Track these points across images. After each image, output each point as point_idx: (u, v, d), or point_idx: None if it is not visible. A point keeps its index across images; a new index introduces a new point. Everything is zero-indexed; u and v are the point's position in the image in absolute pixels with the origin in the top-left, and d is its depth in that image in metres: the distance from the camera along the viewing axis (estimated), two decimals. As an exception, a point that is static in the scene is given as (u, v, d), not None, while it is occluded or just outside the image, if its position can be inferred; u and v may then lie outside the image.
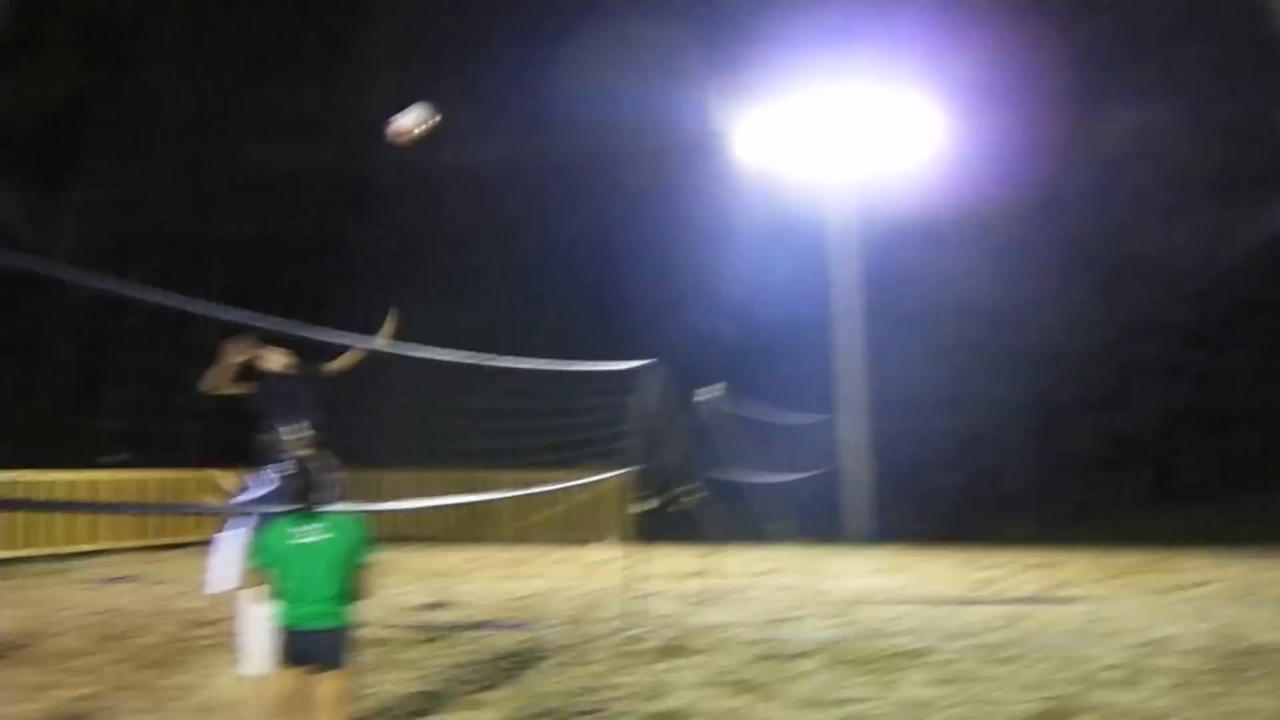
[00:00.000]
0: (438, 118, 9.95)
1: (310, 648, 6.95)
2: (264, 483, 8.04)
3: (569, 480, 18.93)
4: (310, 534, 6.97)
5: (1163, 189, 34.84)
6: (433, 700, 10.12)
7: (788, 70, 29.91)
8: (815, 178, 29.75)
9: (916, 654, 11.95)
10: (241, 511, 7.96)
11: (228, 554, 8.07)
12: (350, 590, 7.10)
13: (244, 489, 8.20)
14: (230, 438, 10.14)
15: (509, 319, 38.42)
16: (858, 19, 31.31)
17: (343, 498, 7.78)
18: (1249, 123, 34.23)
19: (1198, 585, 18.17)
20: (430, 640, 12.55)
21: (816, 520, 28.30)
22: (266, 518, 7.27)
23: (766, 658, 11.87)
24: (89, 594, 17.08)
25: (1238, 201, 35.18)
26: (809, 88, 28.74)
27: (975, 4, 33.05)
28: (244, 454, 9.17)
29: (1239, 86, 34.48)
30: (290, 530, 6.99)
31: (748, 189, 31.55)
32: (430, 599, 15.67)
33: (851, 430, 29.70)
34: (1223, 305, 35.75)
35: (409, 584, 15.64)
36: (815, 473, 29.20)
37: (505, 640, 12.99)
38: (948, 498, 35.67)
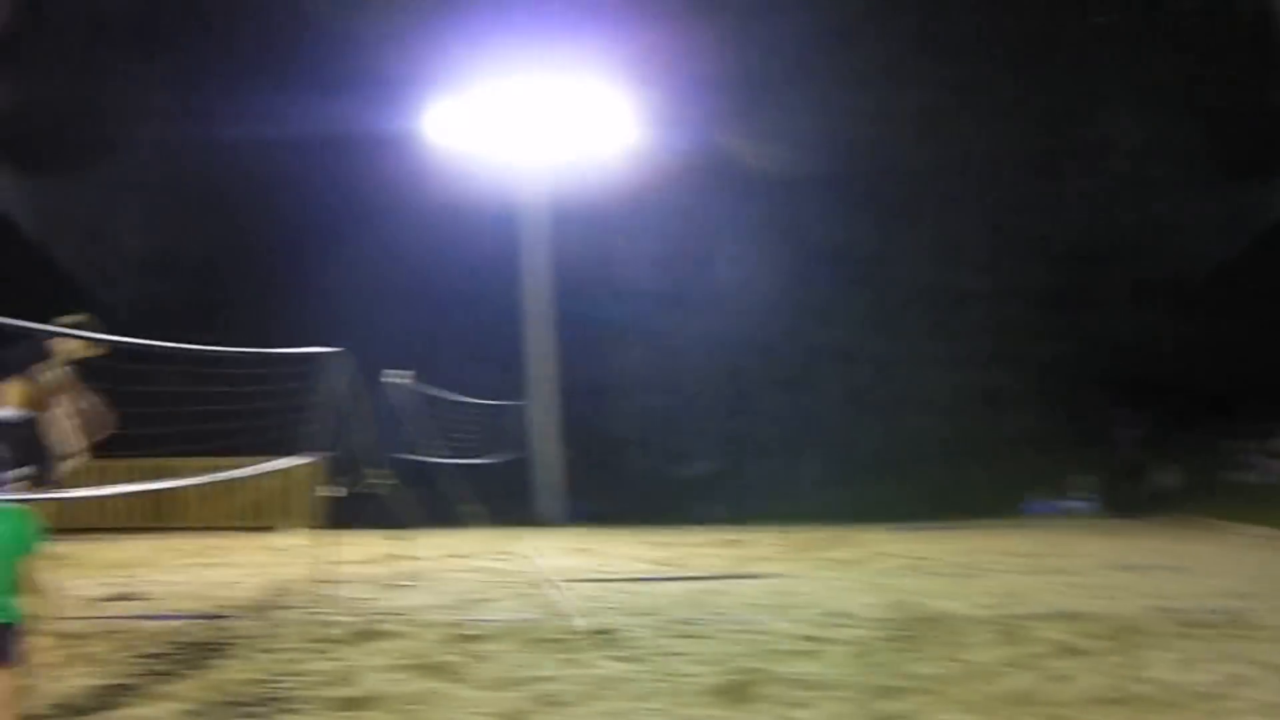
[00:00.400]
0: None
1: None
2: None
3: (257, 466, 18.57)
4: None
5: (848, 180, 36.13)
6: (114, 694, 9.79)
7: (480, 59, 29.91)
8: (506, 165, 29.87)
9: (606, 632, 12.12)
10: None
11: None
12: (18, 583, 6.82)
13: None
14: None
15: (197, 304, 37.46)
16: (550, 8, 31.51)
17: (10, 487, 7.48)
18: (915, 114, 35.88)
19: (876, 559, 18.97)
20: (112, 633, 12.12)
21: (510, 503, 28.44)
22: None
23: (457, 640, 11.86)
24: None
25: (916, 193, 36.82)
26: (501, 77, 28.86)
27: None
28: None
29: (916, 79, 36.05)
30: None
31: (440, 177, 31.40)
32: (114, 591, 15.14)
33: (543, 413, 29.92)
34: (902, 291, 37.38)
35: (91, 576, 15.10)
36: (508, 457, 29.35)
37: (191, 630, 12.65)
38: (639, 479, 36.28)
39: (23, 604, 6.86)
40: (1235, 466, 32.93)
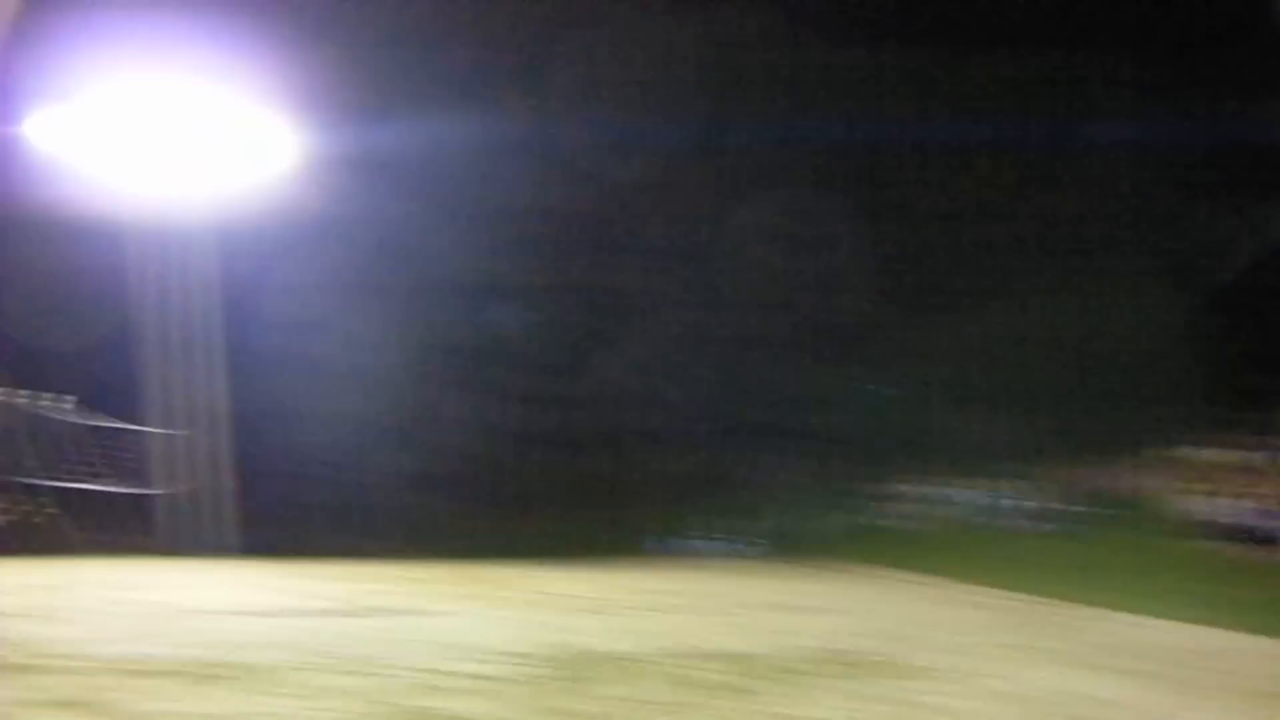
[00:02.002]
0: None
1: None
2: None
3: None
4: None
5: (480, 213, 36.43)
6: None
7: (96, 64, 28.95)
8: (132, 181, 29.05)
9: (245, 667, 11.86)
10: None
11: None
12: None
13: None
14: None
15: None
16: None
17: None
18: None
19: (533, 597, 19.25)
20: None
21: (174, 532, 27.88)
22: None
23: (99, 674, 11.55)
24: None
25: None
26: (131, 86, 28.06)
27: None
28: None
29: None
30: None
31: (65, 189, 30.21)
32: None
33: (209, 442, 29.36)
34: (571, 334, 38.04)
35: None
36: (156, 486, 28.57)
37: None
38: (298, 512, 35.84)
39: None
40: (864, 514, 34.67)
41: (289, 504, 35.31)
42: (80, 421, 22.42)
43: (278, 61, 30.62)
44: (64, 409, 22.10)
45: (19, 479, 17.09)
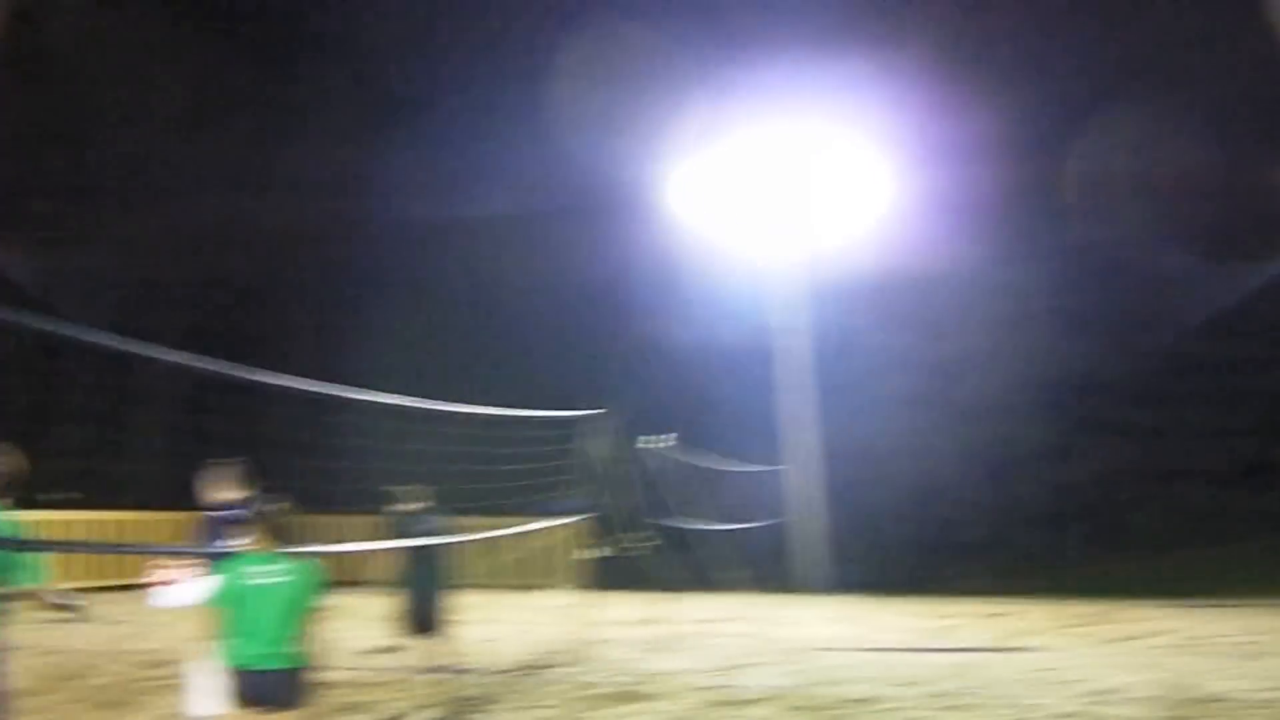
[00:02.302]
0: None
1: (263, 688, 6.90)
2: (219, 525, 7.96)
3: (521, 526, 18.89)
4: (266, 575, 6.93)
5: (1109, 245, 35.25)
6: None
7: (733, 127, 30.00)
8: (762, 235, 29.79)
9: (867, 701, 11.94)
10: (198, 552, 7.90)
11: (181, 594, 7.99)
12: (303, 632, 7.05)
13: (202, 532, 8.12)
14: (178, 479, 10.10)
15: (462, 367, 38.52)
16: (806, 74, 31.44)
17: (298, 540, 7.78)
18: (1212, 178, 34.70)
19: (1147, 636, 18.23)
20: (381, 684, 12.45)
21: (769, 569, 28.34)
22: (221, 558, 7.23)
23: (718, 704, 11.84)
24: (39, 634, 16.85)
25: (1189, 259, 35.65)
26: (755, 144, 28.78)
27: (923, 60, 33.29)
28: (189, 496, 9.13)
29: (1203, 141, 34.94)
30: (246, 570, 6.94)
31: (695, 239, 31.57)
32: (384, 642, 15.53)
33: (803, 480, 29.65)
34: (1162, 361, 36.19)
35: (364, 627, 15.53)
36: (766, 522, 29.24)
37: (458, 685, 12.92)
38: (900, 548, 35.81)
39: (306, 650, 7.09)
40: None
41: (880, 539, 35.38)
42: (689, 461, 23.12)
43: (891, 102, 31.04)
44: (672, 449, 22.84)
45: (649, 518, 17.75)
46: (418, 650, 11.70)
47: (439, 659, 12.46)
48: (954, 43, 34.31)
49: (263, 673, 6.86)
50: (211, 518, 7.87)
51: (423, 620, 11.53)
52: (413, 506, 11.75)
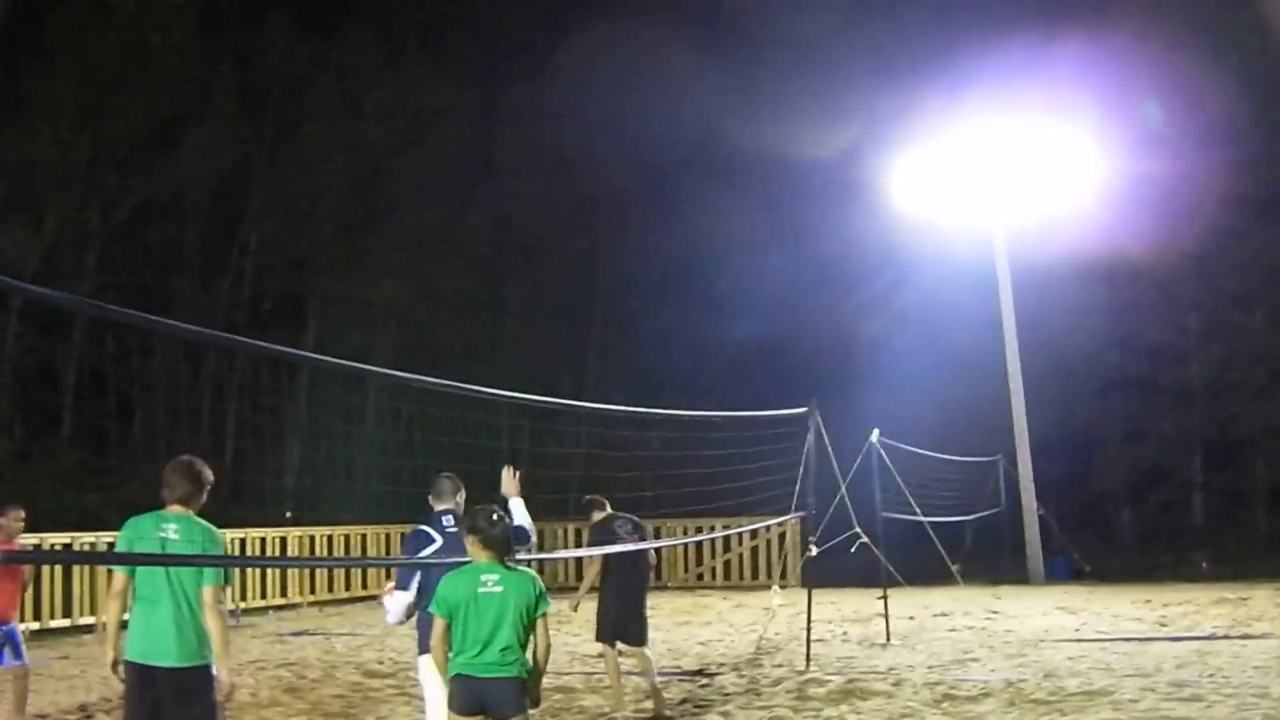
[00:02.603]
0: None
1: (490, 696, 7.08)
2: (437, 535, 8.17)
3: (740, 525, 19.02)
4: (493, 583, 7.12)
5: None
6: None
7: (944, 109, 29.78)
8: (977, 218, 29.43)
9: (1099, 693, 11.76)
10: (418, 564, 8.13)
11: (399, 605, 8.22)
12: (528, 639, 7.24)
13: (419, 544, 8.33)
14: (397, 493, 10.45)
15: (674, 366, 38.96)
16: (1013, 56, 31.03)
17: (528, 547, 8.01)
18: None
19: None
20: (604, 688, 12.64)
21: (991, 561, 28.05)
22: (447, 567, 7.44)
23: (945, 699, 11.79)
24: (273, 647, 17.51)
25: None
26: (967, 126, 28.43)
27: (1134, 40, 32.47)
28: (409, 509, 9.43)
29: None
30: (473, 579, 7.15)
31: (909, 231, 31.38)
32: (596, 648, 15.73)
33: (1023, 469, 29.20)
34: None
35: (583, 631, 15.81)
36: (987, 513, 28.93)
37: (683, 686, 13.09)
38: (1124, 534, 35.13)
39: (530, 659, 7.27)
40: None
41: (1102, 528, 34.75)
42: (910, 451, 22.99)
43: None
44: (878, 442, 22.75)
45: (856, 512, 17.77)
46: (630, 655, 11.85)
47: (656, 663, 12.60)
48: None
49: (489, 680, 7.05)
50: (425, 530, 8.11)
51: (625, 625, 11.65)
52: (608, 512, 11.88)
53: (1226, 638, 15.82)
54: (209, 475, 7.53)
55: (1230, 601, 20.09)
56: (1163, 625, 17.53)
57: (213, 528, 7.44)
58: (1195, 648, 14.84)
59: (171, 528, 7.26)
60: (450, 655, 7.20)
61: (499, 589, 7.13)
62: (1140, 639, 16.01)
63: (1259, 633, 16.22)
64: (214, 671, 7.31)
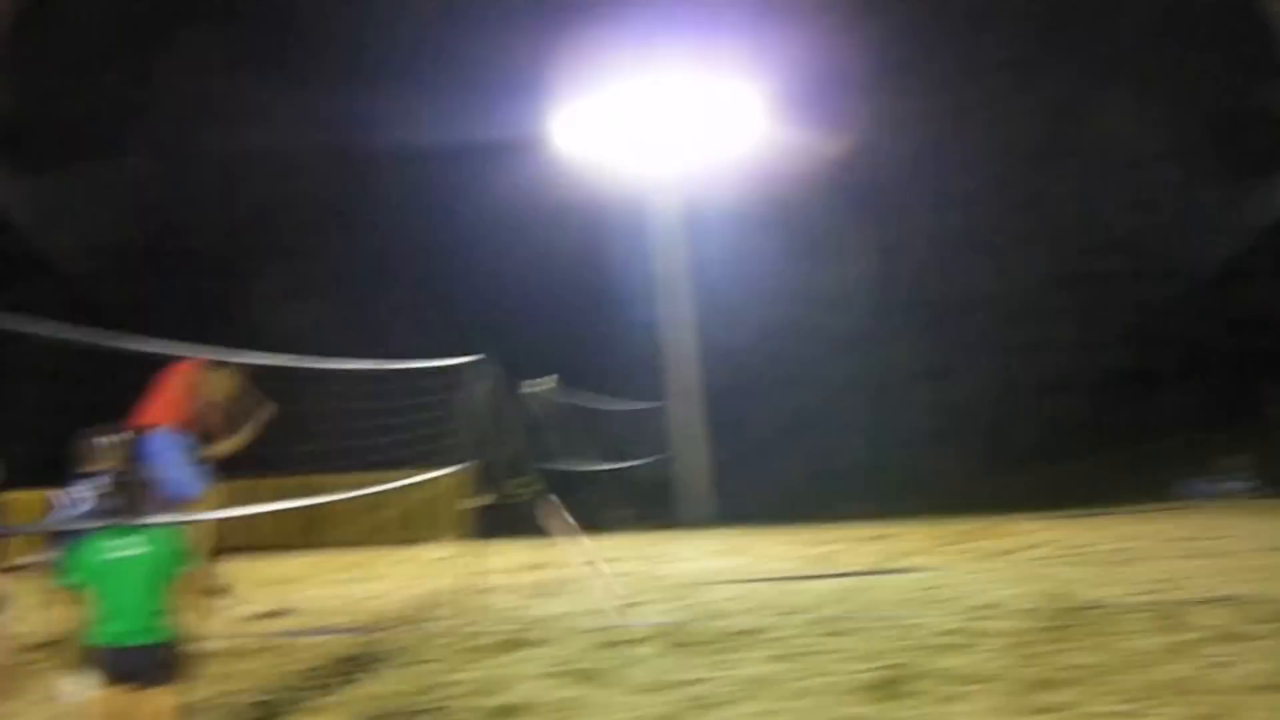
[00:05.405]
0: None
1: (133, 665, 6.78)
2: (78, 498, 7.79)
3: (404, 480, 18.77)
4: (125, 548, 6.79)
5: (979, 164, 35.67)
6: (270, 710, 9.96)
7: (608, 62, 29.94)
8: (638, 168, 29.77)
9: (754, 632, 12.04)
10: (57, 529, 7.73)
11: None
12: (170, 603, 6.93)
13: (58, 507, 7.94)
14: (34, 455, 9.91)
15: (334, 316, 38.12)
16: (677, 10, 31.43)
17: (161, 508, 7.63)
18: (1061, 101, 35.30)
19: (1028, 549, 18.63)
20: (267, 649, 12.32)
21: (656, 506, 28.50)
22: (79, 534, 7.08)
23: (606, 645, 11.86)
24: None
25: (1052, 175, 36.20)
26: (630, 79, 28.74)
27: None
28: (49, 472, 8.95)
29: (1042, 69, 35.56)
30: (104, 545, 6.80)
31: (570, 182, 31.50)
32: (268, 607, 15.39)
33: (685, 415, 29.81)
34: (1040, 277, 36.78)
35: (246, 593, 15.37)
36: (650, 460, 29.37)
37: (344, 644, 12.82)
38: (784, 477, 36.14)
39: (175, 623, 6.98)
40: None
41: (772, 470, 35.69)
42: (571, 402, 23.10)
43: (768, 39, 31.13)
44: (553, 391, 22.78)
45: (532, 464, 17.68)
46: (301, 612, 11.57)
47: (323, 620, 12.33)
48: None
49: (128, 649, 6.74)
50: (69, 492, 7.71)
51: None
52: None
53: (875, 573, 16.45)
54: None
55: (880, 539, 20.94)
56: (818, 563, 18.10)
57: None
58: (846, 585, 15.39)
59: None
60: (92, 624, 6.86)
61: (134, 551, 6.80)
62: (800, 578, 16.48)
63: (905, 568, 16.93)
64: None
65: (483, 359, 15.22)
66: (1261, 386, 33.75)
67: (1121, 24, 35.68)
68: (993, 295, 36.38)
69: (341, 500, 19.37)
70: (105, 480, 7.26)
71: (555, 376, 19.07)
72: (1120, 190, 36.78)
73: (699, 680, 10.16)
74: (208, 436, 12.45)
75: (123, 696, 6.84)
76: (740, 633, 12.07)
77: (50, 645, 12.16)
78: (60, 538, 7.57)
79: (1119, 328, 36.25)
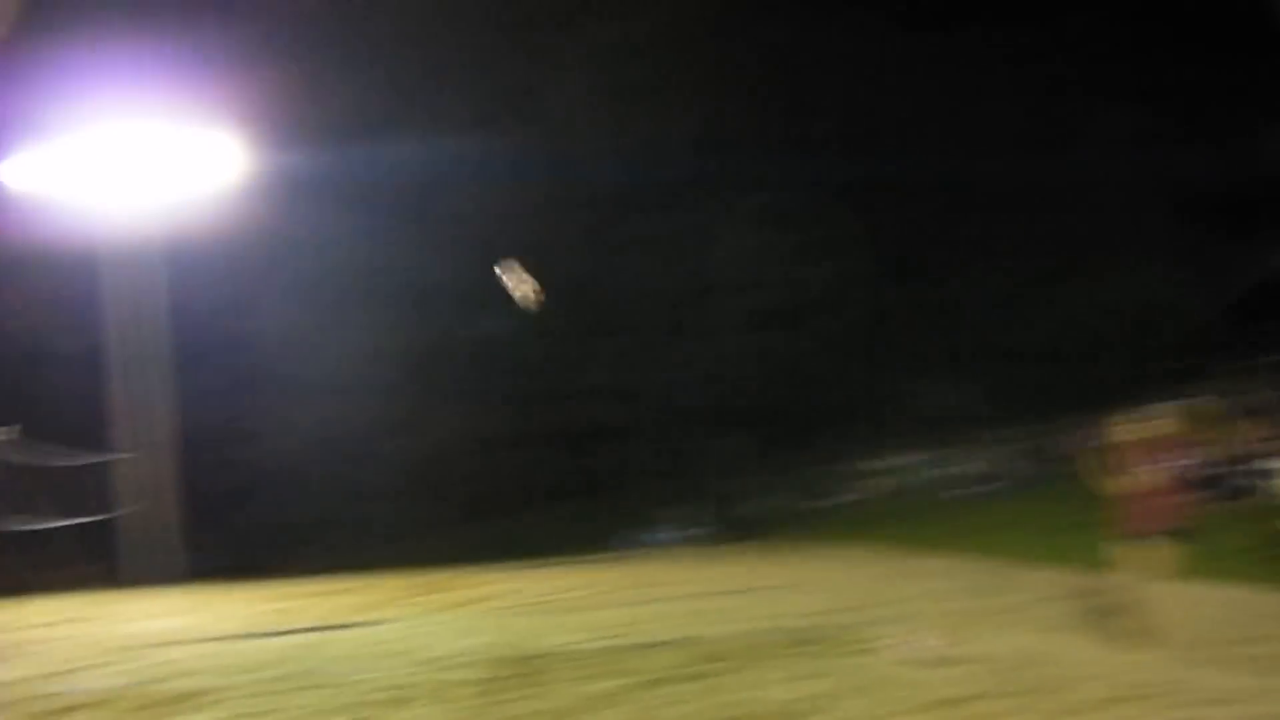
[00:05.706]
0: None
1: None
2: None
3: None
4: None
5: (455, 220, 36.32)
6: None
7: (72, 105, 28.90)
8: (100, 211, 28.86)
9: (201, 694, 11.80)
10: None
11: None
12: None
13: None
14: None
15: None
16: (148, 56, 30.63)
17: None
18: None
19: (490, 599, 19.12)
20: None
21: (114, 562, 27.53)
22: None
23: (43, 715, 11.40)
24: None
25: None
26: (94, 123, 27.86)
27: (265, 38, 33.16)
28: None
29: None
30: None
31: (27, 225, 30.11)
32: None
33: (153, 466, 28.91)
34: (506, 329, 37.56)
35: None
36: (108, 515, 28.36)
37: None
38: (257, 531, 35.60)
39: None
40: (823, 490, 34.53)
41: (242, 523, 35.07)
42: (23, 456, 22.02)
43: (235, 83, 30.58)
44: (9, 445, 21.68)
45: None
46: None
47: None
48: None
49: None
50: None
51: None
52: None
53: (330, 629, 16.50)
54: None
55: (343, 593, 20.98)
56: (275, 620, 17.94)
57: None
58: (301, 641, 15.35)
59: None
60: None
61: None
62: (256, 635, 16.27)
63: (364, 621, 17.05)
64: None
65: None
66: (702, 438, 35.76)
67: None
68: (464, 347, 36.95)
69: None
70: None
71: (17, 428, 18.16)
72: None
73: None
74: None
75: None
76: (182, 695, 11.83)
77: None
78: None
79: (586, 385, 37.52)
